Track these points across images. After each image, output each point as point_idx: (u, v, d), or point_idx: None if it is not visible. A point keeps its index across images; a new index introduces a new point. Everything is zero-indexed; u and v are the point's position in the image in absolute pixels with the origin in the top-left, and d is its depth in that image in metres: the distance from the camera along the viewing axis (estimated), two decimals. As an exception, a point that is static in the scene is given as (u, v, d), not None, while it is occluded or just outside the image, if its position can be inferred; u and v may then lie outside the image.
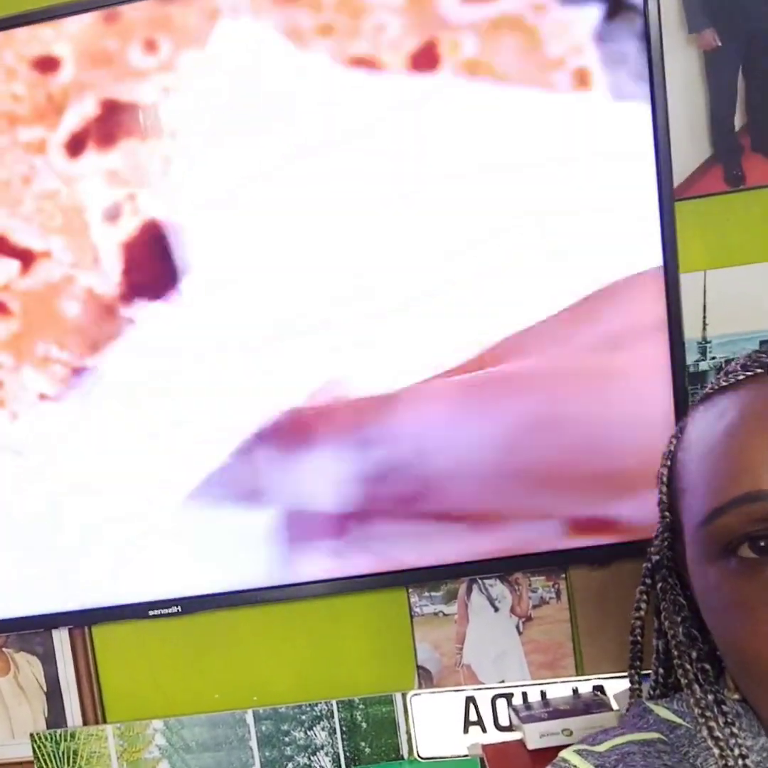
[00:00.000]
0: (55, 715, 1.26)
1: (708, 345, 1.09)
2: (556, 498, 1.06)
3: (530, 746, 1.03)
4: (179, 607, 1.13)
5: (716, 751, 0.48)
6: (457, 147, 1.00)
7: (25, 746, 1.25)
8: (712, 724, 0.49)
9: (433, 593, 1.18)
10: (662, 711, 0.54)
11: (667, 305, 1.01)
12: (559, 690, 1.12)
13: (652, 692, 0.58)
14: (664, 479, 0.55)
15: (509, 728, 1.13)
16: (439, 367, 1.04)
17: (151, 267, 1.05)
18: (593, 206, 1.01)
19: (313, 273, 1.04)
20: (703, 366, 1.09)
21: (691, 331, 1.08)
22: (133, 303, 1.06)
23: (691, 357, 1.09)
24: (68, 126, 1.03)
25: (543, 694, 1.12)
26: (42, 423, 1.09)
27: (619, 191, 1.00)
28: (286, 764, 1.21)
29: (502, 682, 1.17)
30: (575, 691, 1.11)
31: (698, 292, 1.09)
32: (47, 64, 1.03)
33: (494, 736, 1.13)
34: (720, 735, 0.49)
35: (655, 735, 0.51)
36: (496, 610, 1.17)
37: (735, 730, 0.49)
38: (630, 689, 0.59)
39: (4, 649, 1.26)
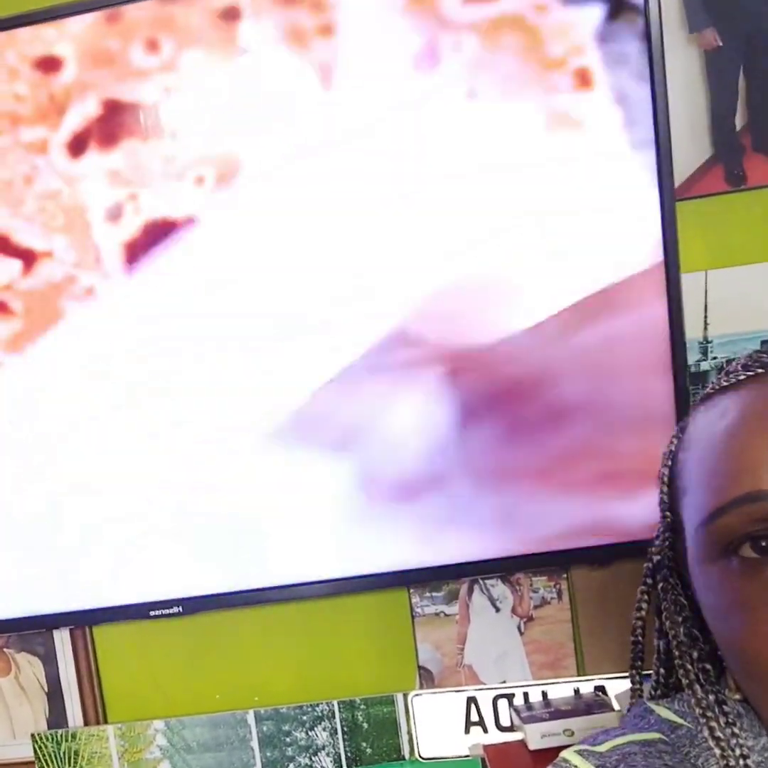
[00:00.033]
0: (56, 716, 1.26)
1: (709, 345, 1.09)
2: (557, 497, 1.06)
3: (531, 747, 1.03)
4: (180, 608, 1.13)
5: (717, 751, 0.48)
6: (457, 147, 1.00)
7: (26, 746, 1.25)
8: (714, 724, 0.49)
9: (434, 593, 1.18)
10: (663, 711, 0.54)
11: (668, 305, 1.01)
12: (561, 690, 1.12)
13: (653, 692, 0.58)
14: (665, 479, 0.55)
15: (510, 729, 1.13)
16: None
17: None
18: (594, 206, 1.01)
19: (314, 273, 1.04)
20: (705, 366, 1.09)
21: (692, 331, 1.08)
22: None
23: (692, 357, 1.09)
24: (70, 126, 1.03)
25: (544, 694, 1.12)
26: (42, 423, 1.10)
27: (620, 191, 1.00)
28: (288, 765, 1.21)
29: (504, 682, 1.17)
30: (577, 691, 1.11)
31: (699, 292, 1.09)
32: (49, 64, 1.03)
33: (495, 737, 1.13)
34: (721, 735, 0.49)
35: (656, 735, 0.51)
36: (498, 610, 1.17)
37: (736, 730, 0.49)
38: (631, 689, 0.59)
39: (5, 650, 1.26)
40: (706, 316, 1.09)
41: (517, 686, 1.14)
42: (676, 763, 0.49)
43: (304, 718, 1.21)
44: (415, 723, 1.16)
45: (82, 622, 1.20)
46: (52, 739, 1.24)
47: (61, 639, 1.24)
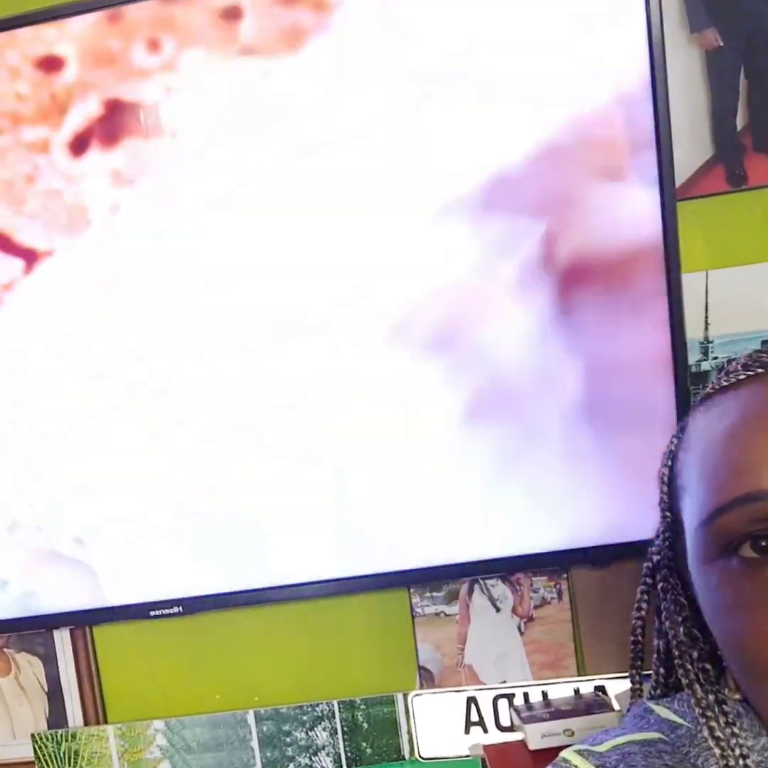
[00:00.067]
0: (56, 716, 1.26)
1: (710, 345, 1.09)
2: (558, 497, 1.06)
3: (531, 747, 1.03)
4: (180, 608, 1.13)
5: (717, 751, 0.48)
6: (457, 147, 1.00)
7: (26, 746, 1.25)
8: (713, 724, 0.49)
9: (434, 593, 1.18)
10: (663, 711, 0.54)
11: (669, 305, 1.01)
12: (561, 690, 1.12)
13: (653, 692, 0.58)
14: (665, 479, 0.55)
15: (511, 729, 1.13)
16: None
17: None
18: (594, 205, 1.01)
19: (314, 273, 1.04)
20: (705, 366, 1.09)
21: (693, 331, 1.08)
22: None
23: (693, 357, 1.09)
24: (71, 125, 1.03)
25: (544, 694, 1.12)
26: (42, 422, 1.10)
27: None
28: (288, 765, 1.21)
29: (504, 682, 1.17)
30: (577, 691, 1.11)
31: (700, 292, 1.09)
32: (51, 64, 1.03)
33: (496, 737, 1.13)
34: (721, 735, 0.49)
35: (656, 735, 0.51)
36: (498, 610, 1.17)
37: (736, 730, 0.49)
38: (631, 689, 0.59)
39: (5, 650, 1.26)
40: (706, 316, 1.09)
41: (517, 686, 1.14)
42: (675, 763, 0.49)
43: (304, 718, 1.21)
44: (415, 723, 1.16)
45: (82, 622, 1.20)
46: (52, 739, 1.25)
47: (61, 639, 1.24)
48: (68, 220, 1.05)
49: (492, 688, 1.15)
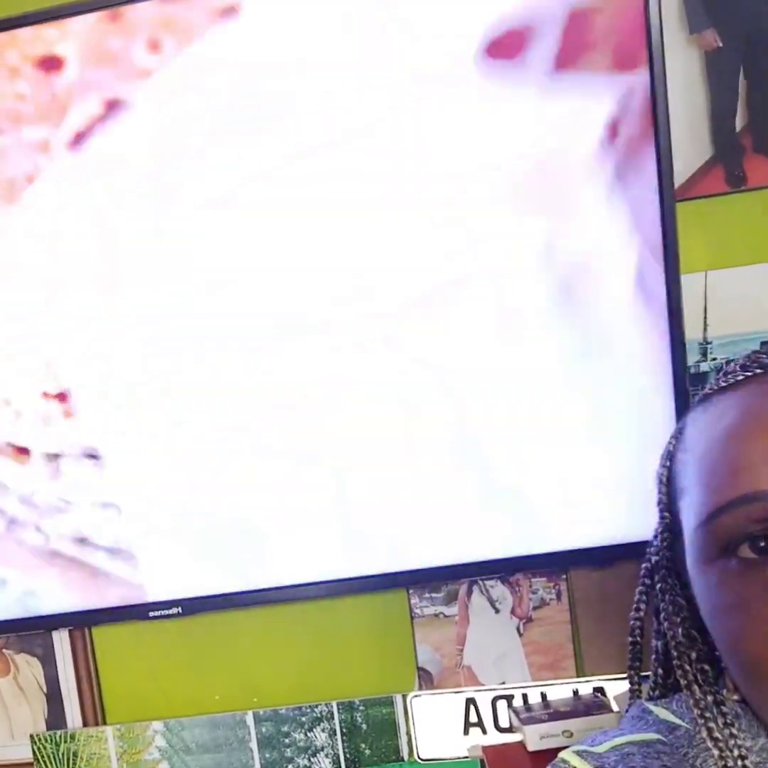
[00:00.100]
0: (55, 717, 1.26)
1: (709, 346, 1.09)
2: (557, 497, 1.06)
3: (530, 748, 1.03)
4: (180, 609, 1.12)
5: (715, 751, 0.48)
6: (457, 147, 1.00)
7: (25, 747, 1.25)
8: (712, 724, 0.49)
9: (433, 594, 1.18)
10: (662, 712, 0.53)
11: (668, 306, 1.01)
12: (560, 691, 1.12)
13: (651, 693, 0.58)
14: (664, 479, 0.55)
15: (509, 730, 1.13)
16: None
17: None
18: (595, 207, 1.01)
19: (314, 273, 1.04)
20: (704, 367, 1.09)
21: (691, 332, 1.08)
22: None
23: (691, 358, 1.09)
24: (72, 125, 1.03)
25: (543, 695, 1.12)
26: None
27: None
28: (287, 766, 1.21)
29: (503, 683, 1.17)
30: (576, 692, 1.11)
31: (699, 292, 1.09)
32: (51, 64, 1.03)
33: (494, 738, 1.13)
34: (719, 736, 0.49)
35: (654, 736, 0.51)
36: (497, 611, 1.17)
37: (734, 731, 0.49)
38: (629, 690, 0.59)
39: (4, 651, 1.26)
40: (705, 317, 1.09)
41: (516, 687, 1.14)
42: (674, 764, 0.49)
43: (303, 719, 1.21)
44: (414, 724, 1.16)
45: (81, 622, 1.20)
46: (51, 740, 1.24)
47: (60, 640, 1.24)
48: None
49: (491, 689, 1.15)
